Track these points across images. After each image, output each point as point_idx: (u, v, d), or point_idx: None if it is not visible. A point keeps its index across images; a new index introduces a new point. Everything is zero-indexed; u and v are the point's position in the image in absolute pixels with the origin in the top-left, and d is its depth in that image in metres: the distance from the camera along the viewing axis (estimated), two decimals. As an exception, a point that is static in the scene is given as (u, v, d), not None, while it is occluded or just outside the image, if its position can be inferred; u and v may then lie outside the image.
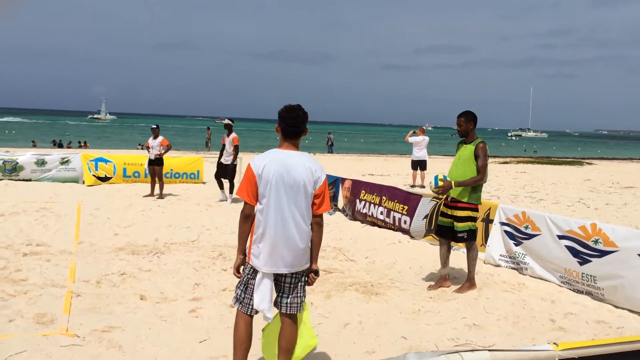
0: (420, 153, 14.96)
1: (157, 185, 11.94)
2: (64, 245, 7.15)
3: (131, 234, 8.07)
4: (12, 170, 13.44)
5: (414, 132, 15.54)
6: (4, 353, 3.88)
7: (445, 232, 5.89)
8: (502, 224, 6.96)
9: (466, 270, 5.96)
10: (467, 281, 5.84)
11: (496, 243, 6.99)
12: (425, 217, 8.31)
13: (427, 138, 15.27)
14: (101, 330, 4.41)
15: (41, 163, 13.75)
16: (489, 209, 7.27)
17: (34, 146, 33.80)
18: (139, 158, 14.35)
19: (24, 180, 13.39)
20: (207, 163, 15.47)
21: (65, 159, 14.00)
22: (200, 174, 14.72)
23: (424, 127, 16.02)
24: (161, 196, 11.79)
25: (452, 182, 5.61)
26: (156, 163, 11.92)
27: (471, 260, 5.82)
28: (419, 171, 15.05)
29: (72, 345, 4.10)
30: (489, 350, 2.04)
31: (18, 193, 11.64)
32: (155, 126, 12.42)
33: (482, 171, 5.55)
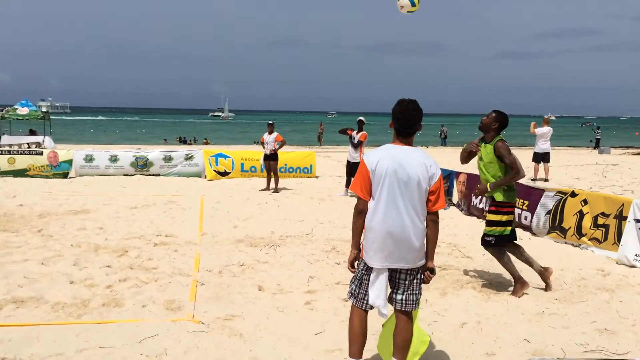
0: (545, 145, 14.19)
1: (272, 180, 12.36)
2: (189, 237, 7.60)
3: (249, 226, 8.41)
4: (144, 166, 14.57)
5: (538, 124, 14.74)
6: (139, 336, 4.20)
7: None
8: (637, 221, 6.37)
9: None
10: (517, 282, 5.38)
11: (631, 242, 6.41)
12: (549, 212, 7.84)
13: (551, 129, 14.44)
14: (223, 319, 4.63)
15: (168, 159, 14.76)
16: (622, 205, 6.68)
17: (165, 143, 36.45)
18: (256, 153, 14.94)
19: (153, 175, 14.47)
20: (320, 158, 15.75)
21: (189, 155, 14.92)
22: (312, 168, 15.03)
23: (548, 117, 15.10)
24: (276, 190, 12.18)
25: (488, 185, 5.29)
26: (271, 158, 12.33)
27: (506, 264, 5.40)
28: (542, 164, 14.25)
29: (198, 331, 4.34)
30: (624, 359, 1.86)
31: (149, 187, 12.60)
32: (271, 122, 12.83)
33: (514, 167, 5.20)
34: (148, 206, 9.93)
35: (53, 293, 5.13)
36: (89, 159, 14.51)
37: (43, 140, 22.60)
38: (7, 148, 16.63)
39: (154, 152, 15.12)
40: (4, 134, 23.52)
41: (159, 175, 14.53)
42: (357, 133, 11.57)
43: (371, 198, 3.45)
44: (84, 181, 13.43)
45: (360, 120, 11.84)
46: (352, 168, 11.35)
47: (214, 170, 14.58)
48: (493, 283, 5.73)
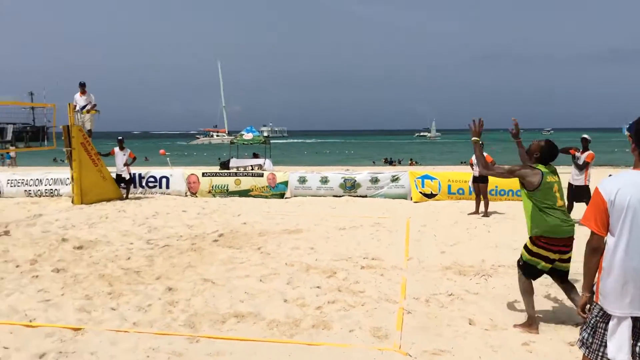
0: None
1: (482, 203, 11.74)
2: (395, 261, 7.52)
3: (457, 252, 8.03)
4: (351, 187, 15.04)
5: None
6: (346, 362, 4.18)
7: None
8: None
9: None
10: (529, 320, 4.95)
11: None
12: None
13: None
14: (431, 352, 4.39)
15: (375, 181, 15.02)
16: None
17: (373, 165, 37.53)
18: (463, 175, 14.40)
19: (360, 196, 14.84)
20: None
21: (395, 177, 14.99)
22: (526, 190, 13.97)
23: None
24: (486, 214, 11.53)
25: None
26: (481, 180, 11.74)
27: (524, 295, 5.01)
28: None
29: (405, 364, 4.17)
30: None
31: (356, 208, 12.92)
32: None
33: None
34: (355, 228, 10.15)
35: (269, 310, 5.43)
36: (302, 180, 15.47)
37: (264, 163, 24.86)
38: (235, 170, 18.61)
39: (362, 174, 15.51)
40: (232, 157, 26.50)
41: (365, 196, 14.86)
42: (582, 153, 10.42)
43: (609, 233, 2.95)
44: (298, 201, 14.34)
45: (584, 138, 10.65)
46: (575, 192, 10.26)
47: (420, 192, 14.42)
48: None
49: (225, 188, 15.53)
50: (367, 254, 7.94)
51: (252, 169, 22.07)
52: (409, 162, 40.34)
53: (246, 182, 15.50)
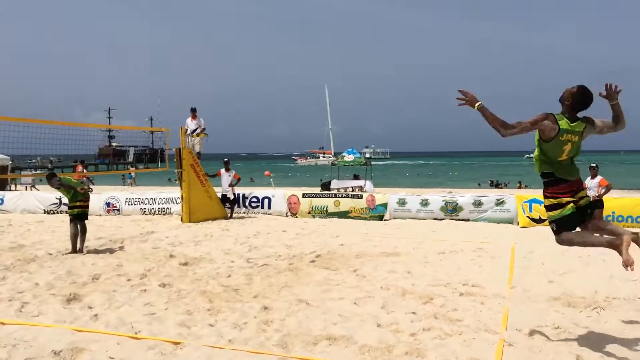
0: None
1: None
2: (497, 289, 7.13)
3: (567, 282, 7.47)
4: (453, 210, 14.60)
5: None
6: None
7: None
8: None
9: None
10: (615, 242, 4.85)
11: None
12: None
13: None
14: (533, 390, 4.08)
15: (478, 204, 14.48)
16: None
17: (479, 187, 36.35)
18: (575, 199, 13.49)
19: (462, 220, 14.36)
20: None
21: (501, 200, 14.36)
22: (647, 217, 12.79)
23: None
24: (601, 241, 10.67)
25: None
26: (596, 204, 10.91)
27: (588, 242, 4.94)
28: None
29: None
30: None
31: (458, 232, 12.50)
32: (594, 164, 11.44)
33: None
34: (456, 252, 9.79)
35: (362, 334, 5.33)
36: (402, 202, 15.26)
37: (365, 184, 24.84)
38: (335, 192, 18.77)
39: (464, 197, 15.03)
40: (334, 179, 26.77)
41: (468, 220, 14.35)
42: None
43: None
44: (397, 224, 14.14)
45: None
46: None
47: (528, 217, 13.68)
48: None
49: (325, 209, 15.69)
50: (467, 280, 7.61)
51: (353, 191, 22.14)
52: (517, 185, 38.48)
53: (345, 204, 15.56)
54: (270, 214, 16.19)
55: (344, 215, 15.40)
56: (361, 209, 15.34)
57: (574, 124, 4.79)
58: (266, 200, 16.48)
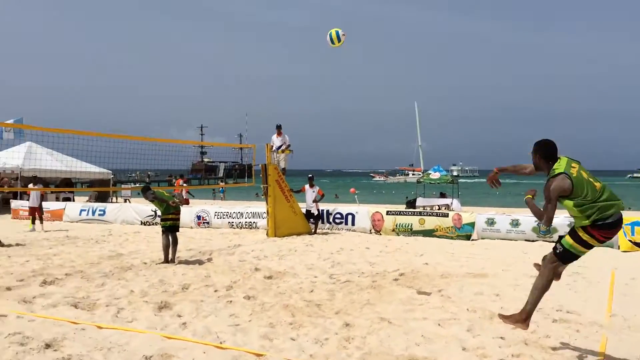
0: None
1: None
2: (595, 316, 6.66)
3: (675, 313, 6.84)
4: (547, 231, 13.88)
5: None
6: None
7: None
8: None
9: None
10: (524, 314, 4.95)
11: None
12: None
13: None
14: None
15: (573, 225, 13.68)
16: None
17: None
18: (685, 222, 12.40)
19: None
20: None
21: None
22: None
23: None
24: None
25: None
26: None
27: (539, 290, 4.95)
28: None
29: None
30: None
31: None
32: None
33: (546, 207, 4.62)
34: (548, 276, 9.26)
35: (446, 357, 5.16)
36: (491, 222, 14.71)
37: (451, 203, 24.24)
38: (420, 210, 18.45)
39: (559, 217, 14.21)
40: (419, 197, 26.35)
41: (562, 242, 13.57)
42: None
43: None
44: (485, 244, 13.63)
45: None
46: None
47: (630, 241, 12.74)
48: None
49: (409, 227, 15.44)
50: (561, 306, 7.17)
51: (439, 209, 21.67)
52: (618, 206, 35.94)
53: (430, 222, 15.23)
54: (353, 231, 16.17)
55: (429, 233, 15.07)
56: (447, 227, 14.95)
57: (559, 162, 4.74)
58: (350, 217, 16.49)
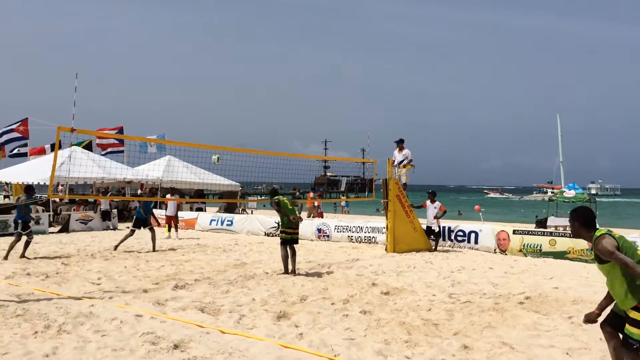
0: None
1: None
2: None
3: None
4: None
5: None
6: None
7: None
8: None
9: None
10: None
11: None
12: None
13: None
14: None
15: None
16: None
17: None
18: None
19: None
20: None
21: None
22: None
23: None
24: None
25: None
26: None
27: None
28: None
29: None
30: None
31: None
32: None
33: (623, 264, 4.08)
34: None
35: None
36: (633, 245, 13.38)
37: (587, 224, 22.42)
38: (551, 230, 17.29)
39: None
40: (551, 216, 24.72)
41: None
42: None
43: None
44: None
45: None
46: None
47: None
48: None
49: (538, 248, 14.52)
50: None
51: (565, 230, 20.14)
52: None
53: (562, 243, 14.20)
54: (476, 249, 15.53)
55: (560, 255, 14.05)
56: (582, 250, 13.83)
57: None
58: (473, 235, 15.87)
